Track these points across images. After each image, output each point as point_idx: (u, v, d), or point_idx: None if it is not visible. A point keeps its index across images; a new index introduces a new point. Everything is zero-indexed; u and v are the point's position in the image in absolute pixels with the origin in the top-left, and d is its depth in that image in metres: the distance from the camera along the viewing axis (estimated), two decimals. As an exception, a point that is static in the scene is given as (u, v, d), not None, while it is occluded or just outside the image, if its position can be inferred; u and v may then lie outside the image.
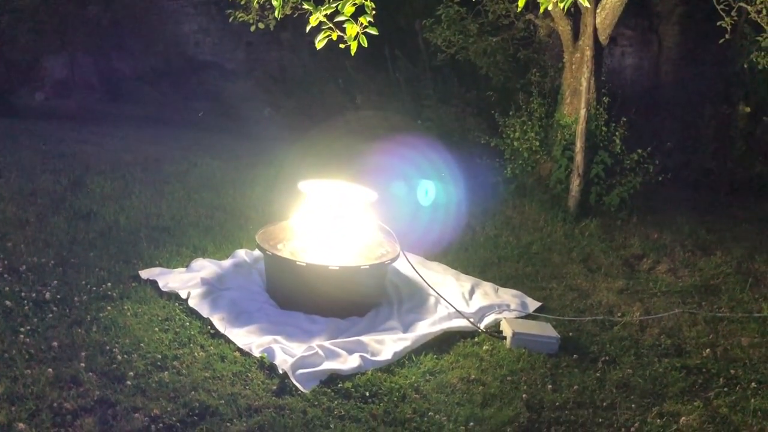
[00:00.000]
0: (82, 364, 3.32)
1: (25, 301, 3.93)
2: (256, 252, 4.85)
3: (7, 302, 3.89)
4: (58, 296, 4.04)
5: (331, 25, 3.52)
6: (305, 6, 3.75)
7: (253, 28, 7.08)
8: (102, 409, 3.03)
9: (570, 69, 7.36)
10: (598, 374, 3.90)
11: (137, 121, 12.18)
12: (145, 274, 4.46)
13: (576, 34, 7.24)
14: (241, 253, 4.92)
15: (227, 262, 4.75)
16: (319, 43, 3.65)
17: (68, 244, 4.88)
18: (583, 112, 6.74)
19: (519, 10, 4.35)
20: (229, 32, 15.70)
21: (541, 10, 4.46)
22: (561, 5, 3.05)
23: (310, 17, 3.84)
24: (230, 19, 7.40)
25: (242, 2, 6.95)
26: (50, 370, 3.25)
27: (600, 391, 3.73)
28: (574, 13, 7.20)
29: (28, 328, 3.64)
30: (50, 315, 3.82)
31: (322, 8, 3.57)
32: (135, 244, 4.99)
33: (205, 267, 4.59)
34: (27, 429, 2.81)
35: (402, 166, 7.46)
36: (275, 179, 7.07)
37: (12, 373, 3.20)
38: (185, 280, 4.36)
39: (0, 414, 2.88)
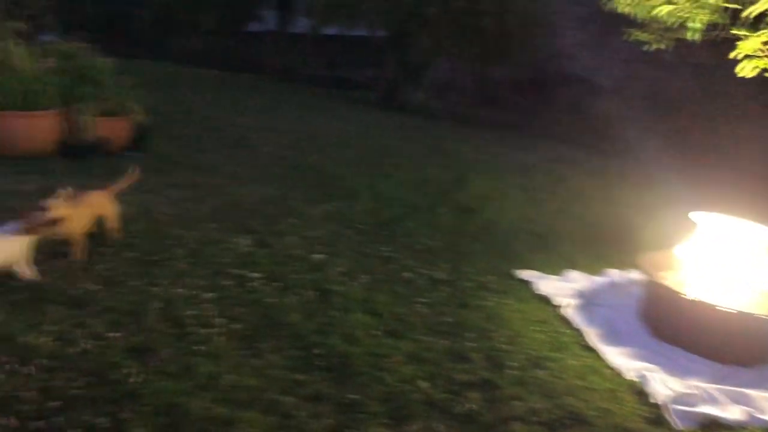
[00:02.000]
0: (470, 344, 3.67)
1: (422, 277, 4.48)
2: (631, 274, 4.78)
3: (406, 274, 4.48)
4: (448, 278, 4.51)
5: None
6: (734, 32, 3.56)
7: (651, 47, 6.91)
8: (487, 388, 3.31)
9: None
10: None
11: (504, 128, 12.83)
12: (522, 274, 4.73)
13: None
14: (615, 273, 4.90)
15: (601, 280, 4.78)
16: (749, 71, 3.43)
17: (454, 233, 5.41)
18: None
19: None
20: (606, 48, 15.57)
21: None
22: None
23: (740, 43, 3.63)
24: (624, 37, 7.33)
25: (640, 21, 6.83)
26: (444, 341, 3.66)
27: None
28: None
29: (424, 300, 4.14)
30: (442, 293, 4.29)
31: (760, 33, 3.35)
32: (512, 244, 5.31)
33: (578, 280, 4.69)
34: (428, 388, 3.21)
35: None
36: (648, 202, 6.87)
37: (414, 336, 3.68)
38: (560, 288, 4.51)
39: (406, 368, 3.34)
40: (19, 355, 3.04)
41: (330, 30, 18.17)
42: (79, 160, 6.48)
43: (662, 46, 6.76)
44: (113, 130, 7.01)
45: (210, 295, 3.85)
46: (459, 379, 3.33)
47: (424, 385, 3.22)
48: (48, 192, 5.37)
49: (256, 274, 4.19)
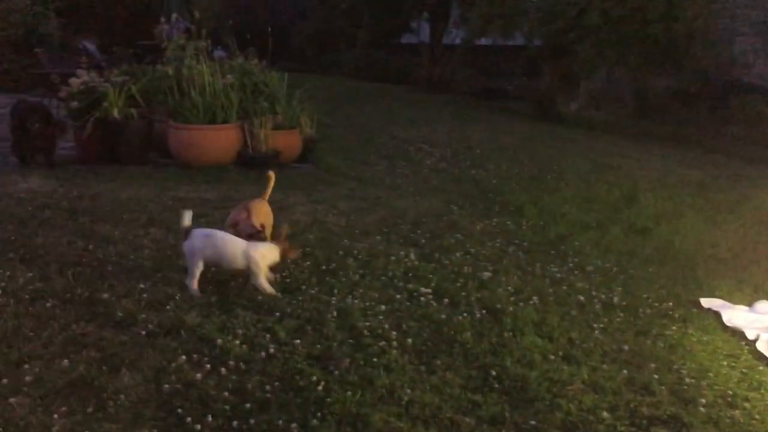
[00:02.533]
0: (654, 376, 3.46)
1: (595, 300, 4.30)
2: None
3: (581, 297, 4.31)
4: (623, 303, 4.30)
5: None
6: None
7: None
8: (675, 425, 3.09)
9: None
10: None
11: (669, 141, 12.10)
12: (706, 302, 4.40)
13: None
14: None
15: (798, 312, 4.34)
16: None
17: (627, 255, 5.15)
18: None
19: None
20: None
21: None
22: None
23: None
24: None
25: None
26: (624, 371, 3.48)
27: None
28: None
29: (600, 326, 3.97)
30: (617, 318, 4.09)
31: None
32: (692, 269, 4.97)
33: (771, 311, 4.29)
34: (611, 420, 3.06)
35: None
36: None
37: (591, 363, 3.53)
38: (751, 321, 4.14)
39: (585, 397, 3.20)
40: (215, 356, 3.26)
41: (483, 40, 18.10)
42: (254, 171, 6.89)
43: None
44: (285, 142, 7.39)
45: (383, 307, 3.93)
46: (643, 412, 3.14)
47: (606, 416, 3.07)
48: (229, 200, 5.77)
49: (424, 289, 4.22)
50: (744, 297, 4.60)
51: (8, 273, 4.03)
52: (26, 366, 3.05)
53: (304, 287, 4.12)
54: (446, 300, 4.10)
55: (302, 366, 3.23)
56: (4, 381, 2.93)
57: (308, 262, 4.50)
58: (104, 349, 3.23)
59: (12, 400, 2.79)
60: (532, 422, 2.96)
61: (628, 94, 18.51)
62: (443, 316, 3.89)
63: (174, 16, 9.21)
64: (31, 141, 6.73)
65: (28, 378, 2.95)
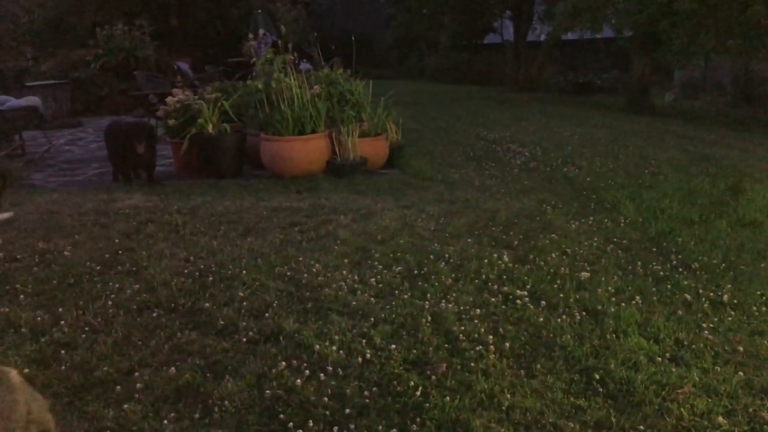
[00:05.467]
0: (773, 378, 3.23)
1: (703, 298, 4.07)
2: None
3: (687, 296, 4.10)
4: (734, 300, 4.05)
5: None
6: None
7: None
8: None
9: None
10: None
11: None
12: (827, 298, 4.09)
13: None
14: None
15: None
16: None
17: (736, 250, 4.86)
18: None
19: None
20: None
21: None
22: None
23: None
24: None
25: None
26: (740, 373, 3.27)
27: None
28: None
29: (710, 325, 3.75)
30: (728, 317, 3.85)
31: None
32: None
33: None
34: (728, 426, 2.87)
35: None
36: None
37: (702, 365, 3.34)
38: None
39: (698, 401, 3.03)
40: (313, 362, 3.31)
41: (568, 35, 17.65)
42: (344, 179, 6.98)
43: None
44: (372, 149, 7.45)
45: (478, 311, 3.87)
46: (764, 417, 2.94)
47: (721, 421, 2.89)
48: (320, 208, 5.86)
49: (520, 291, 4.13)
50: None
51: (117, 285, 4.24)
52: (137, 374, 3.19)
53: (396, 292, 4.12)
54: (543, 302, 3.99)
55: (399, 371, 3.22)
56: (118, 388, 3.07)
57: (400, 267, 4.50)
58: (208, 357, 3.33)
59: (125, 406, 2.92)
60: (641, 427, 2.83)
61: (728, 82, 17.57)
62: (541, 319, 3.79)
63: (261, 32, 9.47)
64: (136, 159, 7.08)
65: (138, 385, 3.08)
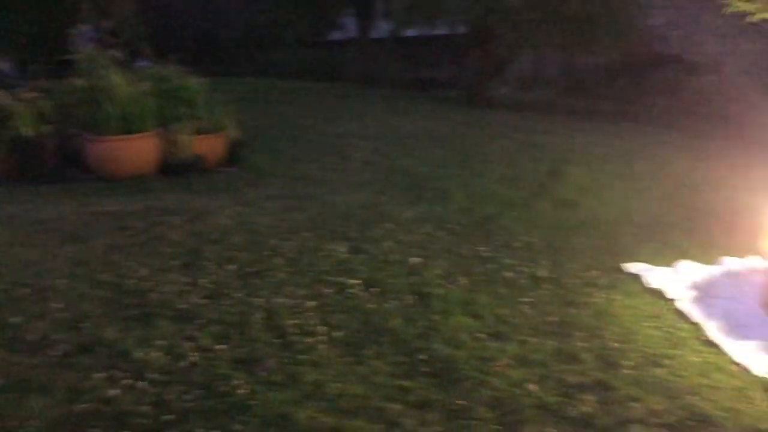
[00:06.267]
0: (579, 344, 3.50)
1: (522, 275, 4.33)
2: (751, 262, 4.45)
3: (507, 273, 4.34)
4: (550, 275, 4.35)
5: None
6: None
7: (755, 17, 6.49)
8: (601, 389, 3.14)
9: None
10: None
11: (596, 116, 12.37)
12: (629, 267, 4.49)
13: None
14: (732, 262, 4.58)
15: (717, 269, 4.48)
16: None
17: (554, 228, 5.22)
18: None
19: None
20: (700, 25, 14.80)
21: None
22: None
23: None
24: (724, 10, 6.92)
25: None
26: (551, 342, 3.51)
27: None
28: None
29: (527, 300, 4.00)
30: (544, 291, 4.13)
31: None
32: (616, 237, 5.07)
33: (692, 270, 4.41)
34: (539, 392, 3.07)
35: None
36: (759, 184, 6.39)
37: (519, 338, 3.55)
38: (672, 281, 4.25)
39: (514, 372, 3.22)
40: (134, 370, 3.14)
41: (410, 32, 18.14)
42: (179, 178, 6.72)
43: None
44: (208, 147, 7.23)
45: (311, 303, 3.86)
46: (570, 381, 3.18)
47: (534, 388, 3.09)
48: (153, 210, 5.60)
49: (354, 281, 4.17)
50: (666, 259, 4.70)
51: None
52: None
53: (228, 291, 4.02)
54: (375, 289, 4.06)
55: (226, 371, 3.15)
56: None
57: (233, 266, 4.40)
58: (12, 375, 3.07)
59: None
60: (461, 402, 2.96)
61: (555, 74, 18.85)
62: (372, 306, 3.85)
63: (82, 27, 8.89)
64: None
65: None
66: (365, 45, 20.08)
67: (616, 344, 3.52)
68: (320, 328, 3.57)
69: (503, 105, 14.42)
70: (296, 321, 3.64)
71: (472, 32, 14.60)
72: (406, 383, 3.10)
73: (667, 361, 3.41)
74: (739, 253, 4.70)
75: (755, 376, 3.35)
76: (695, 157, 7.85)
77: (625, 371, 3.28)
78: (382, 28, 20.41)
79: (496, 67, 17.19)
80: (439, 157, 7.95)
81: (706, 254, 4.84)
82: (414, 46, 21.79)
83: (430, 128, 10.18)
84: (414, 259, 4.53)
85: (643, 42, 15.87)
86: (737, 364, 3.45)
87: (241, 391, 2.97)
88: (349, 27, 21.97)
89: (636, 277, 4.38)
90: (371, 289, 4.05)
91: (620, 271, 4.48)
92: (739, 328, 3.74)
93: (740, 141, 9.07)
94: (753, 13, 6.52)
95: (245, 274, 4.28)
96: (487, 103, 14.63)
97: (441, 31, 16.35)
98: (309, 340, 3.45)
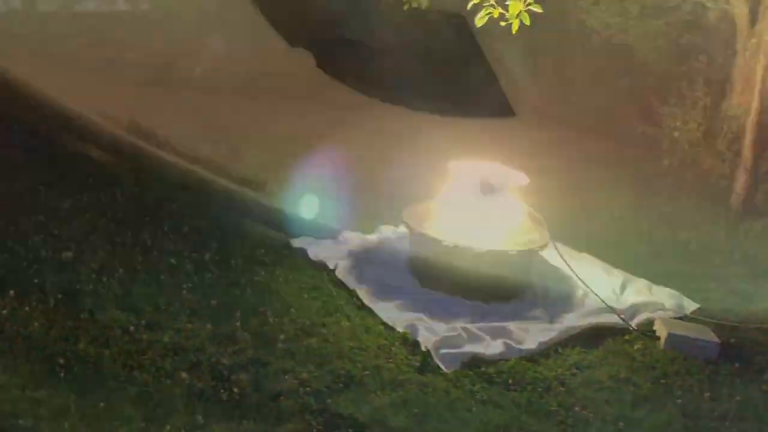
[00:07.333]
0: (238, 324, 3.49)
1: (187, 260, 4.19)
2: (401, 229, 4.86)
3: (172, 260, 4.16)
4: (217, 258, 4.26)
5: (493, 2, 3.45)
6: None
7: (406, 7, 7.12)
8: (255, 367, 3.16)
9: (743, 56, 6.80)
10: (764, 387, 3.58)
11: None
12: (296, 243, 4.61)
13: (754, 19, 6.67)
14: (386, 230, 4.96)
15: (373, 237, 4.82)
16: (480, 20, 3.57)
17: (225, 211, 5.14)
18: (755, 103, 6.25)
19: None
20: (373, 12, 15.96)
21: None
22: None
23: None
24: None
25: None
26: (209, 326, 3.44)
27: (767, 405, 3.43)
28: (754, -4, 6.62)
29: (190, 285, 3.88)
30: (209, 275, 4.04)
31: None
32: (283, 213, 5.17)
33: (352, 240, 4.69)
34: (188, 378, 2.98)
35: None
36: (419, 157, 7.03)
37: (176, 326, 3.42)
38: (333, 251, 4.47)
39: (165, 362, 3.08)
40: None
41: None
42: None
43: (422, 5, 7.00)
44: None
45: None
46: (225, 363, 3.16)
47: (185, 376, 2.99)
48: None
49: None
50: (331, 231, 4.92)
51: None
52: None
53: None
54: (12, 292, 3.58)
55: None
56: None
57: None
58: None
59: None
60: (102, 404, 2.74)
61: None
62: (8, 311, 3.39)
63: None
64: None
65: None
66: None
67: (274, 319, 3.58)
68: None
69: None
70: None
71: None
72: (41, 394, 2.78)
73: (321, 330, 3.57)
74: (396, 221, 5.10)
75: (398, 333, 3.67)
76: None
77: (280, 345, 3.35)
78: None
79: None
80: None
81: (367, 225, 5.16)
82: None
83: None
84: (67, 254, 4.10)
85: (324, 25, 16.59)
86: (384, 324, 3.75)
87: None
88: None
89: (302, 251, 4.52)
90: (7, 292, 3.56)
91: (287, 246, 4.58)
92: (387, 290, 4.06)
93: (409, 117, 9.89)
94: (408, 3, 7.09)
95: None
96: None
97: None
98: None
